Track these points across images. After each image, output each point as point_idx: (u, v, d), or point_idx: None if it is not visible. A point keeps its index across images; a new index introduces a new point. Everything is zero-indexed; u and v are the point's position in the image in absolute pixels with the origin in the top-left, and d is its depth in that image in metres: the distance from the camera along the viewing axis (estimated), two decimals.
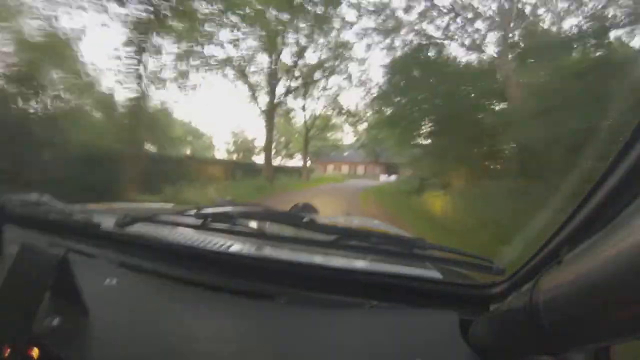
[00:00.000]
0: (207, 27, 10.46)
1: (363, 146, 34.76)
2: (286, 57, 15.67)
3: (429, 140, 9.38)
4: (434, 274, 0.76)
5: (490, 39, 9.04)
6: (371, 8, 10.57)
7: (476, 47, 9.00)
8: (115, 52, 8.11)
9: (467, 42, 9.16)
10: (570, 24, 7.42)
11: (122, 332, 0.48)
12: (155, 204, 1.52)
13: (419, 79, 8.70)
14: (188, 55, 11.16)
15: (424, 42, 9.52)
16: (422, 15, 9.46)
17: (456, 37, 9.30)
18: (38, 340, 0.43)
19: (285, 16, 11.96)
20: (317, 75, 17.81)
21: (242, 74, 14.56)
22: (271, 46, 13.92)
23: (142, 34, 8.04)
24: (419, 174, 11.08)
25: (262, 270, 0.68)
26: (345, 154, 40.66)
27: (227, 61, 12.93)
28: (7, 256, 0.66)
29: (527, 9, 8.22)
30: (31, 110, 6.78)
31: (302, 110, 20.08)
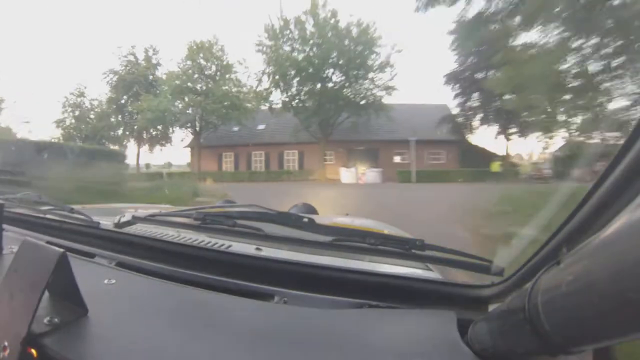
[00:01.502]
0: None
1: (297, 105, 18.08)
2: None
3: None
4: (432, 274, 0.76)
5: None
6: None
7: None
8: None
9: None
10: None
11: (121, 332, 0.48)
12: (154, 205, 1.52)
13: None
14: None
15: None
16: None
17: None
18: (37, 340, 0.43)
19: None
20: None
21: None
22: None
23: None
24: None
25: (261, 270, 0.68)
26: (262, 127, 21.02)
27: None
28: (6, 256, 0.66)
29: None
30: None
31: None
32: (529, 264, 0.50)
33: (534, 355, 0.37)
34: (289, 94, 19.98)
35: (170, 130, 22.54)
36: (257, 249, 0.78)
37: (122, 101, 22.17)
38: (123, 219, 0.91)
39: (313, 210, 1.86)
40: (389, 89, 20.06)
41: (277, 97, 20.57)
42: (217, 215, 0.85)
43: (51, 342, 0.44)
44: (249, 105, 20.41)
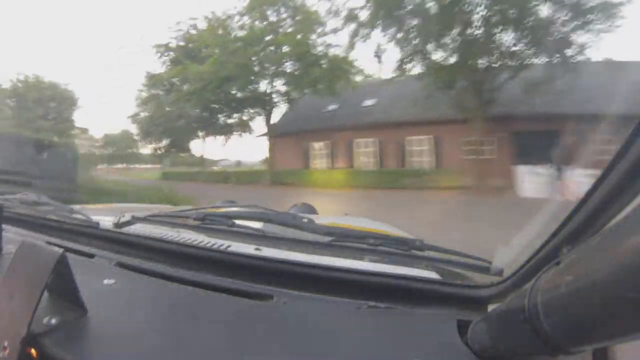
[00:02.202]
0: None
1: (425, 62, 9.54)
2: None
3: None
4: (431, 274, 0.76)
5: None
6: None
7: None
8: None
9: None
10: None
11: (121, 332, 0.48)
12: (154, 205, 1.52)
13: None
14: None
15: None
16: None
17: None
18: (36, 340, 0.43)
19: None
20: None
21: None
22: None
23: None
24: None
25: (261, 270, 0.68)
26: (370, 102, 12.96)
27: None
28: (6, 256, 0.66)
29: None
30: None
31: None
32: (529, 264, 0.50)
33: (533, 355, 0.37)
34: (412, 45, 10.51)
35: (249, 113, 15.84)
36: (257, 249, 0.78)
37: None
38: (123, 219, 0.91)
39: (313, 210, 1.87)
40: (585, 15, 9.23)
41: (386, 47, 11.42)
42: (217, 215, 0.85)
43: (51, 342, 0.44)
44: (349, 65, 12.27)
